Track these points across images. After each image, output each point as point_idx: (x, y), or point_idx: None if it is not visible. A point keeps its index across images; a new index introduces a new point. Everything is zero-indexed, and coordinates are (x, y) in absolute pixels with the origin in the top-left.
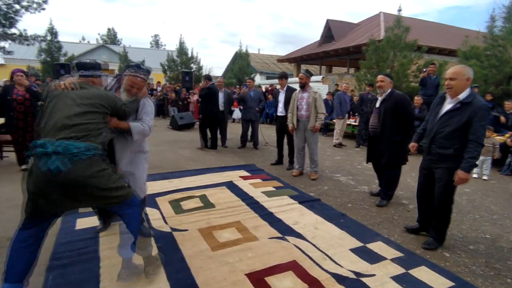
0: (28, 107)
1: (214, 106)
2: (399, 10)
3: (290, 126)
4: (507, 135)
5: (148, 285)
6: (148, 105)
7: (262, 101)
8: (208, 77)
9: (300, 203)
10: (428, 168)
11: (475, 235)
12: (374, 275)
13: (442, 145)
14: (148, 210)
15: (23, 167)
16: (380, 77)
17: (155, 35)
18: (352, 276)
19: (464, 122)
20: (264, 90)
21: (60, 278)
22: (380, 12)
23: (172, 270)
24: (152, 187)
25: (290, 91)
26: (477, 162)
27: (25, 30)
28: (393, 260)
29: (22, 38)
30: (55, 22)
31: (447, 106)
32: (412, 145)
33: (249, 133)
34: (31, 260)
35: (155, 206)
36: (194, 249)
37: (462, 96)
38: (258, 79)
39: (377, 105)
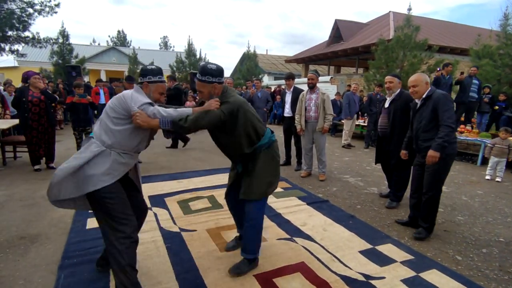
0: (43, 109)
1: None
2: (409, 9)
3: (298, 127)
4: None
5: (157, 285)
6: None
7: (270, 102)
8: (173, 77)
9: (308, 204)
10: (420, 164)
11: (488, 238)
12: (384, 277)
13: (424, 138)
14: (157, 210)
15: (36, 167)
16: (388, 77)
17: (164, 36)
18: (361, 278)
19: (431, 111)
20: (272, 90)
21: (71, 277)
22: (390, 11)
23: (180, 270)
24: (161, 187)
25: (296, 92)
26: (490, 163)
27: (37, 33)
28: (403, 262)
29: (35, 41)
30: (67, 24)
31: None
32: (402, 152)
33: None
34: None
35: (164, 206)
36: (202, 250)
37: (425, 95)
38: (266, 80)
39: (386, 105)
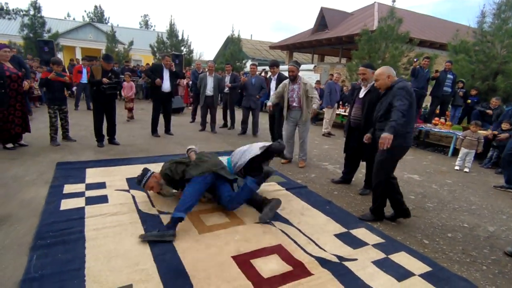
0: (21, 86)
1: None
2: (393, 1)
3: (269, 104)
4: (489, 129)
5: (135, 266)
6: None
7: (264, 89)
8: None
9: (287, 189)
10: None
11: (453, 223)
12: (356, 259)
13: (379, 127)
14: (135, 192)
15: (8, 145)
16: (361, 69)
17: (145, 15)
18: (335, 259)
19: (389, 103)
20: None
21: (44, 258)
22: (375, 2)
23: (158, 252)
24: (140, 170)
25: (281, 79)
26: (460, 154)
27: (6, 3)
28: (374, 245)
29: (4, 12)
30: None
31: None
32: (366, 135)
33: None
34: None
35: (143, 189)
36: (181, 231)
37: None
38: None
39: (361, 95)
